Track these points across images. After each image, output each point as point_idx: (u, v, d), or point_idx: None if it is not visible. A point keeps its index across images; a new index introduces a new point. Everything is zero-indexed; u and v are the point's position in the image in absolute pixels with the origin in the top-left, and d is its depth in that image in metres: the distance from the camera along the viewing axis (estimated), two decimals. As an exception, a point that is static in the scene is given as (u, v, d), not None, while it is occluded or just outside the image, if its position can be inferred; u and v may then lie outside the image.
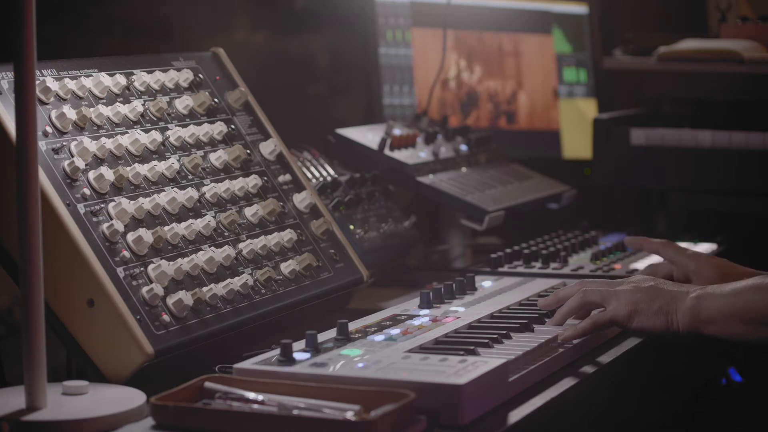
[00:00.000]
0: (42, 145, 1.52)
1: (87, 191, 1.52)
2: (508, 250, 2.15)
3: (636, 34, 2.95)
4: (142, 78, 1.73)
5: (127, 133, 1.64)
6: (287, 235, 1.76)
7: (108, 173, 1.56)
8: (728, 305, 1.60)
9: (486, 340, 1.54)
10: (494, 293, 1.85)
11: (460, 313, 1.69)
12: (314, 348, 1.47)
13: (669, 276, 1.90)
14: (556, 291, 1.72)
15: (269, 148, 1.85)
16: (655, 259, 2.18)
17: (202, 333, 1.53)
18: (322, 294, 1.76)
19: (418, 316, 1.68)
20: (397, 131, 2.33)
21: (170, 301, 1.51)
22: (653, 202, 2.58)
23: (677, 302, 1.62)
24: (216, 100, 1.82)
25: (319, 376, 1.37)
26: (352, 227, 2.06)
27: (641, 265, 2.11)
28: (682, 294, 1.63)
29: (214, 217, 1.67)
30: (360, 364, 1.40)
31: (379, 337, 1.55)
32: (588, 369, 1.58)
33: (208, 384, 1.36)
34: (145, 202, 1.58)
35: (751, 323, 1.60)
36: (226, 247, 1.64)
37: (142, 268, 1.52)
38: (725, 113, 2.64)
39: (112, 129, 1.64)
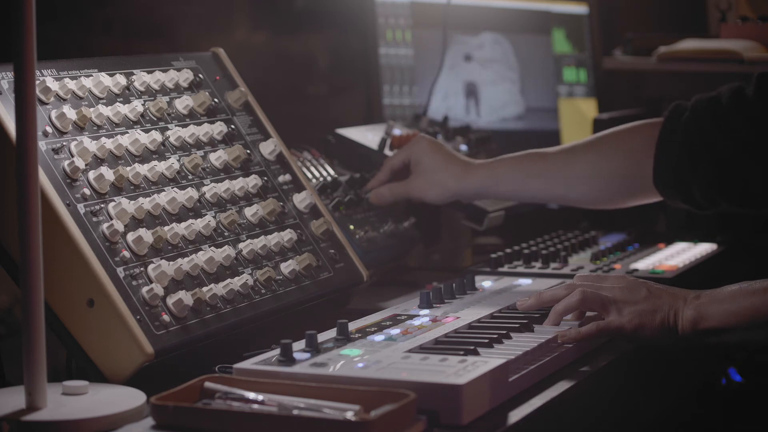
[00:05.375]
0: (42, 145, 1.52)
1: (87, 191, 1.52)
2: (508, 250, 2.14)
3: (636, 34, 2.95)
4: (142, 78, 1.73)
5: (127, 133, 1.64)
6: (287, 235, 1.75)
7: (108, 173, 1.55)
8: (734, 313, 1.61)
9: (486, 340, 1.54)
10: (494, 293, 1.85)
11: (460, 313, 1.69)
12: (314, 348, 1.47)
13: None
14: (540, 293, 1.70)
15: (269, 148, 1.85)
16: (657, 258, 2.18)
17: (202, 333, 1.53)
18: (322, 294, 1.75)
19: (418, 316, 1.68)
20: (397, 131, 2.32)
21: (170, 301, 1.51)
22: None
23: (677, 312, 1.63)
24: (216, 100, 1.82)
25: (319, 376, 1.37)
26: (352, 227, 2.06)
27: (641, 265, 2.11)
28: (680, 302, 1.64)
29: (214, 217, 1.67)
30: (360, 364, 1.40)
31: (379, 337, 1.54)
32: (588, 369, 1.58)
33: (208, 384, 1.36)
34: (145, 202, 1.58)
35: (761, 327, 1.60)
36: (226, 247, 1.64)
37: (142, 268, 1.52)
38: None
39: (112, 129, 1.64)
